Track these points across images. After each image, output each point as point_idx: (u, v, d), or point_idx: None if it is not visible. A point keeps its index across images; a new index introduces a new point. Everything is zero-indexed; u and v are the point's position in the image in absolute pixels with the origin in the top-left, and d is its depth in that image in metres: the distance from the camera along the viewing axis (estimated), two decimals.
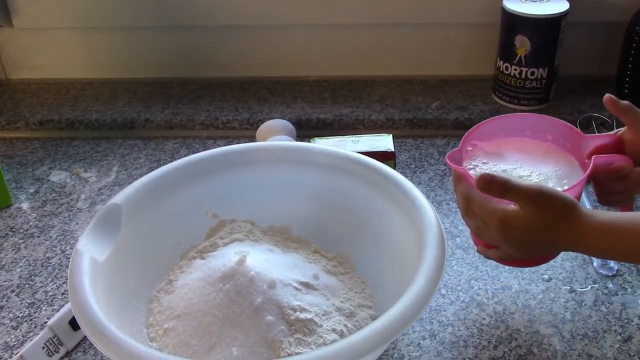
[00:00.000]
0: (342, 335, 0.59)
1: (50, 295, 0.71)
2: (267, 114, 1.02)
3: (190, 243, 0.70)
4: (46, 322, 0.65)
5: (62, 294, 0.71)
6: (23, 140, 1.02)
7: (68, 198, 0.88)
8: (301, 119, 1.01)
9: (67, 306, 0.64)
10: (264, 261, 0.63)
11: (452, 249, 0.75)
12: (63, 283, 0.73)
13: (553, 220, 0.54)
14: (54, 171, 0.94)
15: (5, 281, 0.73)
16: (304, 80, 1.11)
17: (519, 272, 0.71)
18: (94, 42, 1.12)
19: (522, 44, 0.95)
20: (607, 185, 0.63)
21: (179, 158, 0.72)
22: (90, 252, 0.59)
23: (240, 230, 0.71)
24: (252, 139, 0.97)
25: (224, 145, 0.96)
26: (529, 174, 0.63)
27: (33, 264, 0.76)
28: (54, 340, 0.62)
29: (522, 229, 0.56)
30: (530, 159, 0.65)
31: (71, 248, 0.78)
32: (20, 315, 0.68)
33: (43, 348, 0.61)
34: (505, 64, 0.98)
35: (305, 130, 1.00)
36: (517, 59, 0.97)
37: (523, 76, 0.97)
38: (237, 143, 0.90)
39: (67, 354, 0.63)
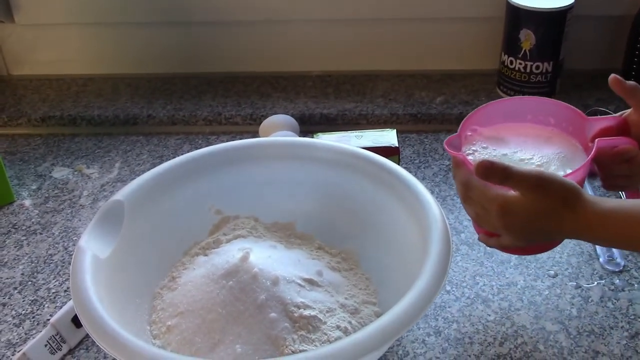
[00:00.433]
0: (346, 332, 0.58)
1: (53, 293, 0.71)
2: (270, 109, 1.01)
3: (193, 239, 0.70)
4: (49, 320, 0.65)
5: (65, 291, 0.71)
6: (25, 136, 1.02)
7: (70, 194, 0.87)
8: (304, 114, 1.00)
9: (70, 303, 0.64)
10: (268, 258, 0.62)
11: (457, 244, 0.74)
12: (65, 280, 0.72)
13: (555, 207, 0.53)
14: (56, 167, 0.94)
15: (7, 278, 0.73)
16: (307, 75, 1.11)
17: (525, 269, 0.71)
18: (95, 37, 1.12)
19: (527, 38, 0.94)
20: (611, 169, 0.61)
21: (182, 154, 0.72)
22: (92, 249, 0.59)
23: (243, 226, 0.70)
24: (255, 134, 0.96)
25: (227, 140, 0.95)
26: (530, 157, 0.61)
27: (35, 261, 0.75)
28: (57, 337, 0.62)
29: (523, 215, 0.54)
30: (532, 143, 0.63)
31: (74, 245, 0.78)
32: (23, 312, 0.68)
33: (46, 346, 0.61)
34: (510, 58, 0.98)
35: (308, 125, 0.99)
36: (521, 53, 0.96)
37: (528, 70, 0.97)
38: (240, 138, 0.90)
39: (70, 351, 0.63)
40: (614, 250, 0.72)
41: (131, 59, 1.13)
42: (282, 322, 0.57)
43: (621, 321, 0.64)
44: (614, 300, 0.66)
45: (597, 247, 0.73)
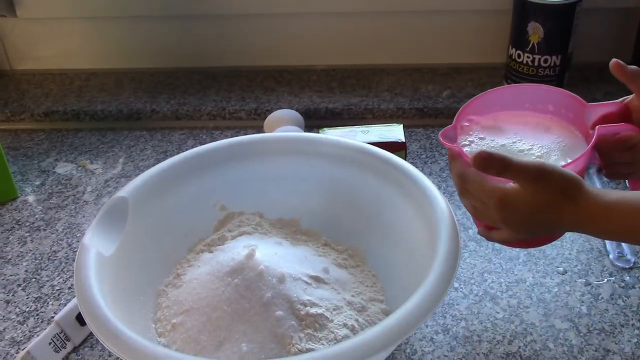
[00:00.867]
0: (353, 330, 0.57)
1: (57, 290, 0.70)
2: (274, 104, 1.00)
3: (198, 236, 0.69)
4: (53, 317, 0.64)
5: (69, 288, 0.70)
6: (28, 131, 1.01)
7: (74, 190, 0.87)
8: (309, 109, 0.99)
9: (74, 301, 0.63)
10: (273, 255, 0.62)
11: (465, 241, 0.74)
12: (70, 277, 0.72)
13: (555, 199, 0.51)
14: (59, 163, 0.93)
15: (11, 275, 0.72)
16: (311, 69, 1.10)
17: (534, 265, 0.70)
18: (98, 32, 1.11)
19: (535, 31, 0.93)
20: (613, 157, 0.60)
21: (186, 149, 0.71)
22: (96, 246, 0.58)
23: (248, 222, 0.70)
24: (260, 129, 0.96)
25: (231, 135, 0.95)
26: (529, 148, 0.59)
27: (39, 258, 0.75)
28: (61, 335, 0.61)
29: (523, 208, 0.53)
30: (531, 132, 0.61)
31: (77, 241, 0.77)
32: (27, 310, 0.68)
33: (50, 344, 0.60)
34: (518, 52, 0.96)
35: (313, 120, 0.98)
36: (529, 46, 0.95)
37: (536, 64, 0.95)
38: (245, 133, 0.89)
39: (74, 349, 0.62)
40: (624, 246, 0.71)
41: (134, 54, 1.12)
42: (289, 320, 0.56)
43: (632, 319, 0.63)
44: (625, 298, 0.65)
45: (607, 243, 0.72)
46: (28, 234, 0.79)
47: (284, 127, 0.89)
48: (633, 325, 0.62)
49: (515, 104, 0.63)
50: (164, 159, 0.69)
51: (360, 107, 0.99)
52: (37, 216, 0.82)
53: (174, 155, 0.70)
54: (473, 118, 0.62)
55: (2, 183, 0.84)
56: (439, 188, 0.63)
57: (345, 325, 0.58)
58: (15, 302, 0.69)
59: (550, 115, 0.62)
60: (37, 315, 0.67)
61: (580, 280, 0.68)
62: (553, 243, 0.72)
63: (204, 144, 0.72)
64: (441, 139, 0.57)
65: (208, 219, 0.71)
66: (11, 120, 1.03)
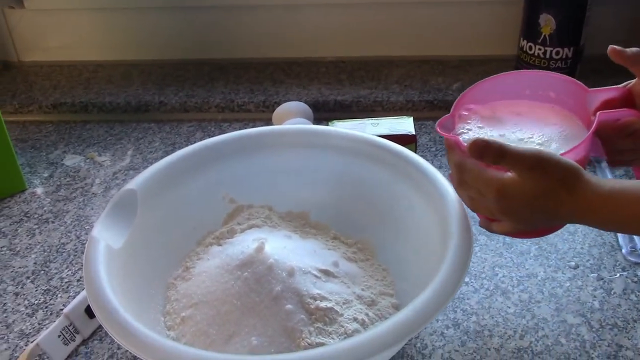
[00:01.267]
0: (363, 324, 0.57)
1: (66, 282, 0.70)
2: (283, 96, 1.00)
3: (207, 229, 0.69)
4: (62, 310, 0.64)
5: (78, 280, 0.70)
6: (36, 123, 1.01)
7: (82, 182, 0.86)
8: (318, 101, 0.98)
9: (83, 294, 0.63)
10: (283, 248, 0.61)
11: (475, 235, 0.73)
12: (78, 269, 0.72)
13: (553, 188, 0.50)
14: (68, 155, 0.93)
15: (20, 267, 0.72)
16: (320, 61, 1.09)
17: (545, 260, 0.69)
18: (106, 23, 1.10)
19: (547, 23, 0.92)
20: (615, 144, 0.58)
21: (195, 141, 0.71)
22: (105, 239, 0.58)
23: (257, 215, 0.69)
24: (268, 121, 0.95)
25: (240, 128, 0.95)
26: (529, 136, 0.57)
27: (48, 250, 0.75)
28: (70, 328, 0.61)
29: (521, 198, 0.51)
30: (531, 121, 0.59)
31: (86, 234, 0.77)
32: (36, 302, 0.67)
33: (59, 336, 0.60)
34: (529, 44, 0.95)
35: (322, 112, 0.98)
36: (541, 38, 0.94)
37: (547, 56, 0.94)
38: (253, 126, 0.88)
39: (83, 342, 0.62)
40: (637, 240, 0.70)
41: (142, 45, 1.12)
42: (298, 314, 0.56)
43: None
44: (637, 293, 0.65)
45: (620, 237, 0.71)
46: (36, 226, 0.79)
47: (292, 120, 0.88)
48: None
49: (515, 92, 0.61)
50: (172, 151, 0.69)
51: (369, 99, 0.98)
52: (45, 208, 0.82)
53: (182, 147, 0.70)
54: (472, 107, 0.60)
55: (10, 175, 0.84)
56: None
57: (355, 319, 0.57)
58: (24, 294, 0.69)
59: (551, 104, 0.60)
60: (46, 307, 0.67)
61: (592, 275, 0.67)
62: (565, 237, 0.72)
63: (212, 136, 0.72)
64: (438, 128, 0.56)
65: (217, 212, 0.70)
66: (19, 112, 1.03)
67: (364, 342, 0.47)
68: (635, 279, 0.66)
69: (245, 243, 0.62)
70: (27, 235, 0.77)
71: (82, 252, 0.73)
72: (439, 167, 0.81)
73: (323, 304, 0.57)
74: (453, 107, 0.59)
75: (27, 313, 0.66)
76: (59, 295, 0.68)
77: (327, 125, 0.79)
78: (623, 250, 0.70)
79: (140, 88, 1.05)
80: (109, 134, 0.97)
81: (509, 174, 0.51)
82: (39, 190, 0.85)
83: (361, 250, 0.68)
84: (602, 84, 0.97)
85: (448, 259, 0.53)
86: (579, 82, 0.59)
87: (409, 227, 0.65)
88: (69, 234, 0.77)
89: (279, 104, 0.95)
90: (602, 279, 0.67)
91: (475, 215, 0.76)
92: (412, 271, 0.62)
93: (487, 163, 0.52)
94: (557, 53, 0.94)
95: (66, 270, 0.71)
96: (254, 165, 0.71)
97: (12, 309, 0.67)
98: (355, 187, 0.70)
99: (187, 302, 0.60)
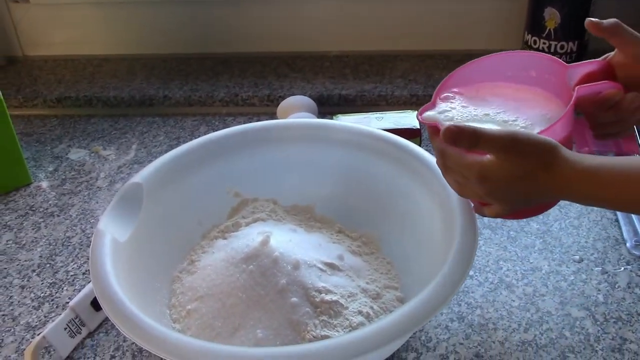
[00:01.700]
0: (368, 317, 0.57)
1: (72, 275, 0.70)
2: (287, 90, 1.00)
3: (212, 222, 0.69)
4: (68, 303, 0.64)
5: (84, 273, 0.70)
6: (41, 117, 1.01)
7: (87, 176, 0.87)
8: (322, 95, 0.98)
9: (89, 287, 0.63)
10: (288, 241, 0.61)
11: (480, 228, 0.73)
12: (84, 263, 0.72)
13: (531, 167, 0.49)
14: (72, 149, 0.93)
15: (26, 260, 0.73)
16: (324, 55, 1.09)
17: (549, 253, 0.69)
18: (110, 17, 1.10)
19: (552, 17, 0.92)
20: (599, 117, 0.57)
21: (199, 135, 0.71)
22: (111, 232, 0.58)
23: (262, 209, 0.69)
24: (273, 115, 0.95)
25: (244, 122, 0.94)
26: (514, 119, 0.57)
27: (53, 243, 0.75)
28: (76, 321, 0.61)
29: (502, 180, 0.50)
30: (514, 104, 0.58)
31: (91, 227, 0.77)
32: (42, 295, 0.68)
33: (65, 329, 0.60)
34: (534, 38, 0.95)
35: (326, 107, 0.98)
36: (546, 32, 0.94)
37: (552, 50, 0.94)
38: (258, 120, 0.88)
39: (89, 334, 0.63)
40: None
41: (147, 39, 1.12)
42: (304, 307, 0.56)
43: None
44: None
45: (624, 231, 0.71)
46: (42, 220, 0.79)
47: (297, 114, 0.88)
48: None
49: (497, 74, 0.60)
50: (177, 145, 0.69)
51: (373, 93, 0.98)
52: (50, 202, 0.82)
53: (186, 141, 0.70)
54: (456, 90, 0.60)
55: (15, 169, 0.84)
56: None
57: (360, 312, 0.57)
58: (30, 287, 0.69)
59: (533, 85, 0.59)
60: (52, 300, 0.67)
61: (596, 268, 0.67)
62: (569, 231, 0.72)
63: (216, 130, 0.72)
64: (419, 117, 0.55)
65: (222, 206, 0.71)
66: (24, 106, 1.03)
67: (368, 335, 0.47)
68: None
69: (250, 236, 0.62)
70: (33, 229, 0.78)
71: (88, 246, 0.74)
72: None
73: (328, 297, 0.57)
74: (434, 93, 0.58)
75: (33, 306, 0.66)
76: (65, 288, 0.69)
77: (332, 119, 0.79)
78: (627, 244, 0.70)
79: (144, 82, 1.05)
80: (114, 128, 0.97)
81: (488, 157, 0.51)
82: (44, 184, 0.86)
83: (366, 243, 0.68)
84: None
85: (452, 252, 0.53)
86: (558, 59, 0.58)
87: (413, 221, 0.65)
88: (74, 228, 0.77)
89: (283, 98, 0.95)
90: (607, 272, 0.67)
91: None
92: (416, 264, 0.62)
93: (463, 148, 0.51)
94: (562, 47, 0.94)
95: (72, 264, 0.72)
96: (259, 159, 0.71)
97: (19, 301, 0.67)
98: (360, 181, 0.70)
99: (192, 295, 0.60)
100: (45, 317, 0.65)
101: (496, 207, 0.54)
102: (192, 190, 0.68)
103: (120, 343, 0.62)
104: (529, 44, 0.96)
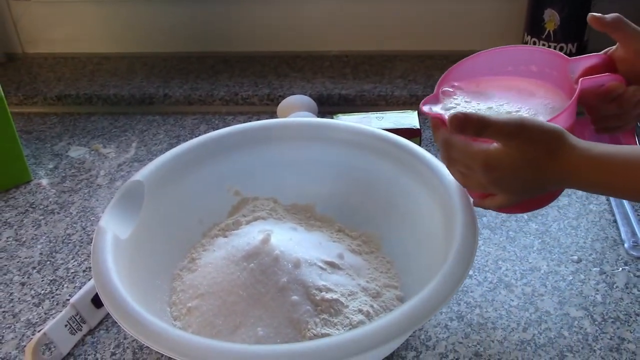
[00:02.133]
0: (368, 316, 0.57)
1: (72, 272, 0.70)
2: (287, 90, 1.00)
3: (213, 221, 0.69)
4: (68, 300, 0.64)
5: (84, 271, 0.70)
6: (41, 115, 1.02)
7: (87, 174, 0.87)
8: (322, 95, 0.99)
9: (89, 284, 0.63)
10: (289, 240, 0.62)
11: (479, 228, 0.73)
12: (84, 260, 0.72)
13: (538, 154, 0.49)
14: (72, 147, 0.93)
15: (26, 257, 0.73)
16: (324, 55, 1.09)
17: (548, 253, 0.69)
18: (110, 15, 1.11)
19: (551, 18, 0.92)
20: (601, 110, 0.58)
21: (199, 134, 0.71)
22: (112, 229, 0.58)
23: (263, 208, 0.70)
24: (273, 114, 0.95)
25: (244, 121, 0.95)
26: (517, 110, 0.56)
27: (54, 241, 0.75)
28: (77, 318, 0.61)
29: (508, 167, 0.50)
30: (516, 96, 0.58)
31: (92, 225, 0.77)
32: (42, 292, 0.68)
33: (66, 326, 0.60)
34: (533, 39, 0.96)
35: (326, 106, 0.98)
36: (545, 34, 0.94)
37: None
38: (258, 119, 0.89)
39: (90, 332, 0.63)
40: None
41: (147, 37, 1.12)
42: (304, 305, 0.56)
43: None
44: (639, 287, 0.65)
45: (622, 232, 0.72)
46: (42, 217, 0.79)
47: (297, 113, 0.89)
48: None
49: (498, 69, 0.60)
50: (177, 143, 0.69)
51: (373, 93, 0.98)
52: (50, 199, 0.82)
53: (186, 140, 0.70)
54: (456, 84, 0.60)
55: (15, 166, 0.84)
56: None
57: (360, 310, 0.58)
58: (30, 284, 0.69)
59: (534, 79, 0.60)
60: (53, 297, 0.67)
61: (595, 268, 0.68)
62: (567, 232, 0.72)
63: (216, 129, 0.72)
64: (422, 108, 0.55)
65: (222, 204, 0.71)
66: (24, 103, 1.03)
67: (368, 333, 0.47)
68: (638, 273, 0.67)
69: (250, 235, 0.62)
70: (33, 226, 0.78)
71: (88, 243, 0.74)
72: None
73: (328, 296, 0.57)
74: (437, 85, 0.58)
75: (33, 303, 0.67)
76: (65, 285, 0.69)
77: (332, 118, 0.79)
78: (625, 245, 0.70)
79: (144, 80, 1.05)
80: (114, 126, 0.97)
81: (495, 145, 0.51)
82: (44, 182, 0.86)
83: (366, 242, 0.68)
84: None
85: (452, 252, 0.53)
86: (559, 52, 0.58)
87: (414, 220, 0.65)
88: (74, 225, 0.77)
89: (283, 97, 0.95)
90: (605, 272, 0.67)
91: (479, 209, 0.76)
92: (416, 264, 0.63)
93: (469, 136, 0.51)
94: (561, 48, 0.94)
95: (72, 261, 0.72)
96: (259, 158, 0.71)
97: (19, 298, 0.67)
98: (360, 180, 0.70)
99: (193, 293, 0.60)
100: (45, 314, 0.65)
101: (500, 198, 0.54)
102: (193, 188, 0.68)
103: (121, 340, 0.62)
104: (529, 44, 0.96)
